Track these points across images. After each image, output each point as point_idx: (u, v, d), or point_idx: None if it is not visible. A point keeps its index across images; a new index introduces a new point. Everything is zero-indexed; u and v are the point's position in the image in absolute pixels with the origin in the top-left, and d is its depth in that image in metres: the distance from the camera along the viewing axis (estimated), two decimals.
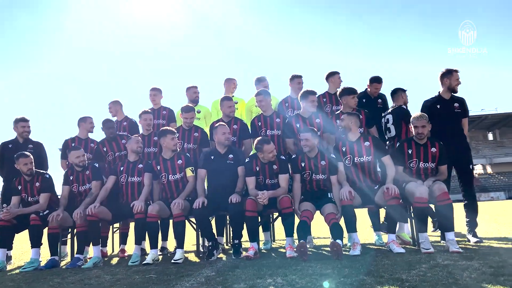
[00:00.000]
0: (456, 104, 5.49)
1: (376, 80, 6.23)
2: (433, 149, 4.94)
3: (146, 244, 5.49)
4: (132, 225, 5.63)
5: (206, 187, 5.53)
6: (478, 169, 66.59)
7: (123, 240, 6.13)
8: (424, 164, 4.95)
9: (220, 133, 5.30)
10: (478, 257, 3.83)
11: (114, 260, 5.58)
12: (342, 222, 4.74)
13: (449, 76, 5.50)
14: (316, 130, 5.32)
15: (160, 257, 5.39)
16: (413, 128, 4.96)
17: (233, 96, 6.84)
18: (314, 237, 6.84)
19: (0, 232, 5.20)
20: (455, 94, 5.58)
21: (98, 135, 6.78)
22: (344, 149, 5.10)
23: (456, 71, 5.50)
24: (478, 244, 4.91)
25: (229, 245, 6.22)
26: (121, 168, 5.49)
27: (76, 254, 5.17)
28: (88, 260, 5.11)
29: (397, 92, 6.20)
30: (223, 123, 5.54)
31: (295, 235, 4.75)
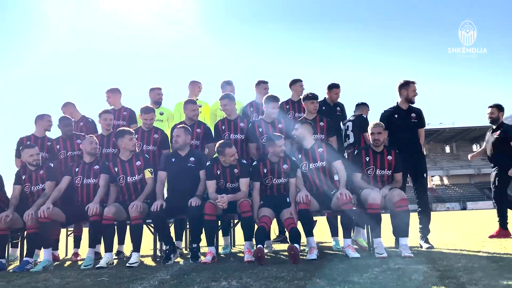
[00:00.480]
0: (413, 115, 5.72)
1: (335, 86, 6.39)
2: (389, 157, 5.11)
3: (102, 248, 5.33)
4: (86, 228, 5.44)
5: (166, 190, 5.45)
6: (435, 180, 69.51)
7: (77, 243, 5.92)
8: (380, 172, 5.10)
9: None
10: (427, 262, 3.97)
11: (67, 264, 5.37)
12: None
13: (406, 87, 5.72)
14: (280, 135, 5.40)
15: (115, 261, 5.25)
16: (370, 136, 5.12)
17: (197, 100, 6.80)
18: (275, 242, 6.89)
19: None
20: (412, 105, 5.80)
21: (56, 134, 6.52)
22: (300, 156, 5.19)
23: (413, 82, 5.74)
24: (430, 250, 5.10)
25: (188, 249, 6.14)
26: (76, 169, 5.31)
27: (25, 257, 4.94)
28: (38, 263, 4.89)
29: (363, 106, 6.46)
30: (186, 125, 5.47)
31: (254, 240, 4.75)
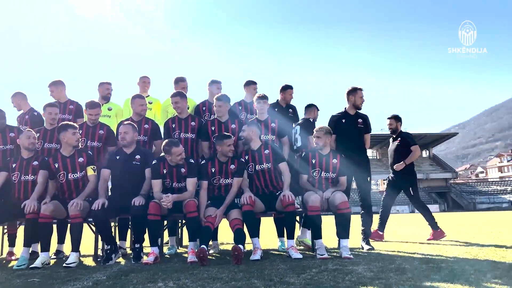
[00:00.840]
0: (360, 120, 5.91)
1: (289, 87, 6.49)
2: (334, 160, 5.25)
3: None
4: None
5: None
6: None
7: (11, 242, 5.62)
8: (325, 174, 5.24)
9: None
10: (364, 263, 4.10)
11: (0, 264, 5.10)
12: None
13: (354, 93, 5.92)
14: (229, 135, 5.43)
15: (53, 260, 5.03)
16: (314, 139, 5.25)
17: (147, 96, 6.67)
18: (223, 243, 6.88)
19: None
20: (359, 111, 6.00)
21: None
22: (247, 158, 5.22)
23: (360, 89, 5.94)
24: (370, 251, 5.28)
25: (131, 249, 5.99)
26: (13, 165, 5.04)
27: None
28: None
29: (311, 107, 6.61)
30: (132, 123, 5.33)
31: (199, 240, 4.72)
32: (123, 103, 6.69)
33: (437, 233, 6.90)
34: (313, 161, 5.24)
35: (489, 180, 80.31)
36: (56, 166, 4.96)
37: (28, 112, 6.15)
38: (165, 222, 5.36)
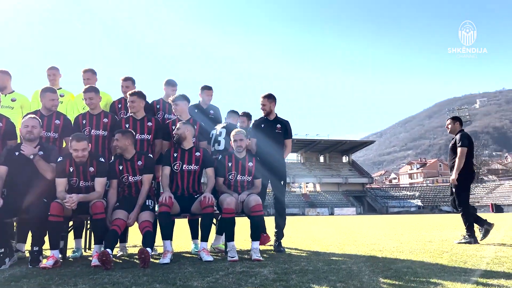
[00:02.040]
0: (278, 126, 6.05)
1: (207, 88, 6.46)
2: (250, 164, 5.33)
3: None
4: None
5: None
6: (309, 187, 75.24)
7: None
8: (241, 177, 5.29)
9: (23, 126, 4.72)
10: (271, 265, 4.20)
11: None
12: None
13: (275, 100, 6.07)
14: (143, 132, 5.32)
15: None
16: (233, 142, 5.28)
17: (59, 88, 6.24)
18: (136, 245, 6.64)
19: None
20: (281, 117, 6.15)
21: None
22: (175, 155, 5.11)
23: (261, 97, 6.08)
24: (281, 253, 5.43)
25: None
26: None
27: None
28: None
29: (233, 114, 6.61)
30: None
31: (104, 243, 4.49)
32: (32, 95, 6.16)
33: (264, 237, 6.40)
34: (229, 164, 5.27)
35: (400, 185, 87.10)
36: None
37: None
38: (70, 224, 5.05)
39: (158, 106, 6.19)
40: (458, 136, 6.93)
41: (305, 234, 9.85)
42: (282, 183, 5.98)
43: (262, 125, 6.06)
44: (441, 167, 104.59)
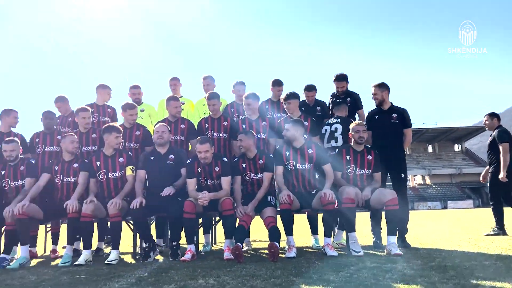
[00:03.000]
0: (394, 115, 5.76)
1: (306, 89, 6.40)
2: (369, 157, 5.19)
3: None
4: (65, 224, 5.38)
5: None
6: (417, 180, 70.66)
7: (55, 240, 5.85)
8: (360, 171, 5.18)
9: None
10: (403, 261, 4.05)
11: (44, 261, 5.31)
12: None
13: (388, 89, 5.81)
14: (260, 133, 5.51)
15: (95, 258, 5.20)
16: (354, 134, 5.17)
17: (180, 97, 6.78)
18: (255, 240, 6.93)
19: None
20: (396, 105, 5.86)
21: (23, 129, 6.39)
22: (287, 154, 5.20)
23: (372, 86, 5.83)
24: (406, 248, 5.19)
25: (168, 247, 6.11)
26: (56, 168, 5.25)
27: (2, 253, 4.86)
28: (15, 260, 4.82)
29: (341, 105, 6.46)
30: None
31: (234, 238, 4.77)
32: (158, 104, 6.83)
33: None
34: (347, 158, 5.19)
35: None
36: (98, 164, 5.15)
37: (71, 114, 6.32)
38: (200, 220, 5.46)
39: (232, 110, 6.35)
40: (496, 133, 6.98)
41: (424, 229, 9.28)
42: (402, 176, 5.70)
43: (376, 116, 5.83)
44: None
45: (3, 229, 5.21)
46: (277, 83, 6.49)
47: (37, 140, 5.76)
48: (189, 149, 5.89)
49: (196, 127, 5.91)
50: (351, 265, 3.81)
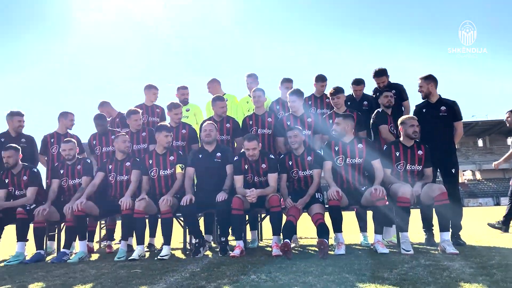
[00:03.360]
0: (442, 108, 5.54)
1: (354, 83, 6.28)
2: (420, 152, 5.02)
3: (134, 240, 5.48)
4: (119, 221, 5.63)
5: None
6: (467, 175, 67.45)
7: (110, 236, 6.12)
8: (411, 167, 5.02)
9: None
10: (459, 259, 3.90)
11: (100, 256, 5.57)
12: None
13: (435, 81, 5.60)
14: (304, 128, 5.47)
15: (147, 253, 5.39)
16: (408, 128, 5.01)
17: (224, 94, 6.87)
18: (301, 237, 6.90)
19: None
20: (445, 97, 5.63)
21: (79, 131, 6.72)
22: (336, 149, 5.12)
23: (419, 79, 5.62)
24: (461, 246, 4.98)
25: (217, 243, 6.22)
26: (110, 167, 5.49)
27: (62, 248, 5.15)
28: (74, 255, 5.09)
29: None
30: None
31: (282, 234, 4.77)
32: (205, 105, 6.97)
33: None
34: (397, 154, 5.05)
35: None
36: (150, 162, 5.37)
37: (118, 116, 6.68)
38: (246, 217, 5.50)
39: (278, 107, 6.30)
40: None
41: (477, 226, 8.86)
42: (453, 171, 5.47)
43: (424, 110, 5.63)
44: None
45: (62, 225, 5.53)
46: (321, 78, 6.44)
47: (94, 142, 6.07)
48: (235, 146, 5.96)
49: (240, 126, 5.97)
50: (405, 263, 3.71)
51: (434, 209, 5.00)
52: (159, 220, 5.23)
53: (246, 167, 5.13)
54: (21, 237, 5.14)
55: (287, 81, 6.42)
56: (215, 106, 5.89)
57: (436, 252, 4.46)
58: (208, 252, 5.19)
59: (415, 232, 5.82)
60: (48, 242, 5.71)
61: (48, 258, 5.40)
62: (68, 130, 6.26)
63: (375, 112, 5.83)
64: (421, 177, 5.05)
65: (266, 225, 6.44)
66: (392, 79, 6.35)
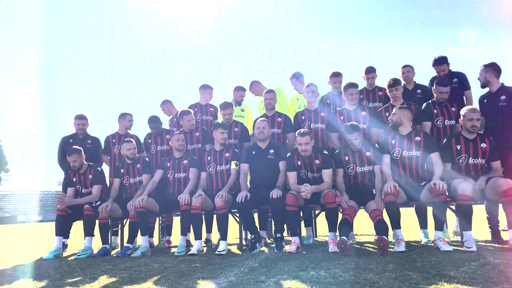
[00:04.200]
0: (502, 97, 5.15)
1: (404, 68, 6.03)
2: (483, 145, 4.73)
3: (191, 236, 5.64)
4: (176, 217, 5.82)
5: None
6: None
7: (168, 231, 6.35)
8: (473, 160, 4.75)
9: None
10: None
11: (160, 250, 5.80)
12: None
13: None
14: (359, 124, 5.30)
15: (205, 248, 5.54)
16: (466, 121, 4.74)
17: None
18: (357, 234, 6.78)
19: (57, 221, 5.57)
20: (508, 85, 5.25)
21: (138, 130, 7.06)
22: (393, 142, 4.96)
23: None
24: None
25: (271, 239, 6.27)
26: (168, 165, 5.71)
27: (126, 243, 5.42)
28: (137, 249, 5.34)
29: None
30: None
31: (338, 231, 4.72)
32: (258, 104, 7.03)
33: None
34: (458, 147, 4.80)
35: None
36: (209, 158, 5.58)
37: (175, 115, 6.87)
38: (301, 213, 5.49)
39: (328, 101, 6.17)
40: None
41: None
42: None
43: (485, 100, 5.30)
44: None
45: (125, 221, 5.83)
46: (370, 70, 6.21)
47: (149, 141, 6.32)
48: (287, 142, 5.95)
49: (292, 122, 5.95)
50: (472, 261, 3.54)
51: (501, 205, 4.71)
52: (215, 216, 5.35)
53: (299, 163, 5.11)
54: (89, 232, 5.48)
55: (336, 76, 6.30)
56: (265, 99, 5.93)
57: (506, 251, 4.20)
58: (264, 248, 5.25)
59: (480, 229, 5.54)
60: (112, 237, 6.02)
61: (113, 252, 5.70)
62: (128, 131, 6.57)
63: (424, 104, 5.57)
64: (487, 172, 4.76)
65: (321, 222, 6.41)
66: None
